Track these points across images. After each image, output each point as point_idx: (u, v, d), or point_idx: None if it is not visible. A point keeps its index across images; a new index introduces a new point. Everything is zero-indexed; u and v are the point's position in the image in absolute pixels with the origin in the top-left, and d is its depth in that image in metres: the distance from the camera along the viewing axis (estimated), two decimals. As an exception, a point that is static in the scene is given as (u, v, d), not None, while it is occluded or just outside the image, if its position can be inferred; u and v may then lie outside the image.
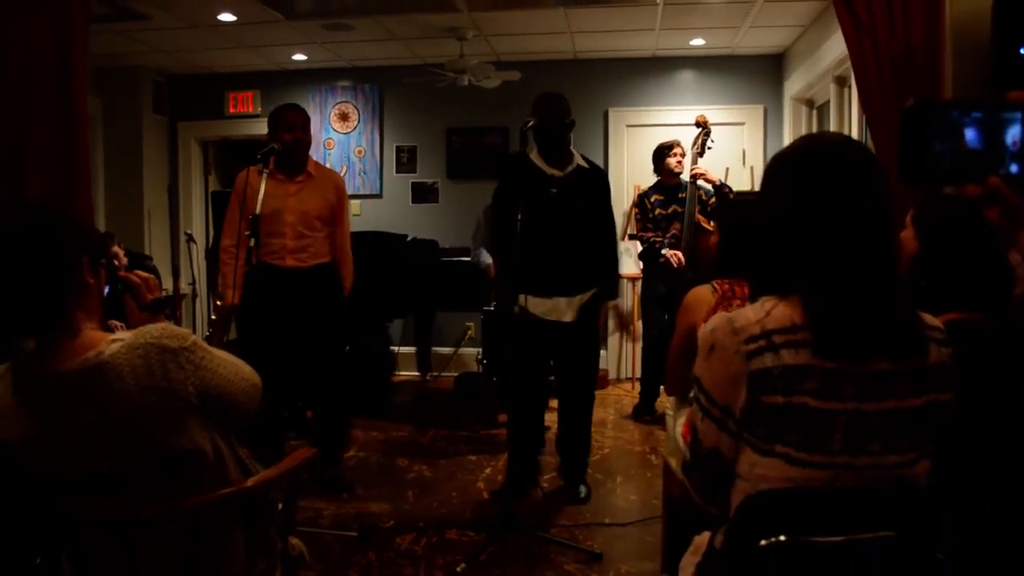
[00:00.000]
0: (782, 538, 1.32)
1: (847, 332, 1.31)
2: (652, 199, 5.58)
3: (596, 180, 4.00)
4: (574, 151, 3.96)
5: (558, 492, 4.13)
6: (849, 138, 1.51)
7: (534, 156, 3.89)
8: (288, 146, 3.80)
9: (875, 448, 1.33)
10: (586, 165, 3.95)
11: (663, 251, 5.34)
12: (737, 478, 1.41)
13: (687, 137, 5.54)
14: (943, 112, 1.04)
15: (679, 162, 5.53)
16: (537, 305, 3.82)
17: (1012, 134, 1.03)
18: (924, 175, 1.06)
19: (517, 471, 3.95)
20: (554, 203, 3.78)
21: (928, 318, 1.41)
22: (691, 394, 1.47)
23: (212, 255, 5.56)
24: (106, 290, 1.73)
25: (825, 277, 1.34)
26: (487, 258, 5.45)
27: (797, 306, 1.35)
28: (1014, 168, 1.03)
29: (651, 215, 5.53)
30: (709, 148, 5.42)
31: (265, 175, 3.53)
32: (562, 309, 3.87)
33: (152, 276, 1.82)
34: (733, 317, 1.38)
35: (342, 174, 7.31)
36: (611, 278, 4.06)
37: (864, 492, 1.34)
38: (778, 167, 1.47)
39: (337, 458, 4.23)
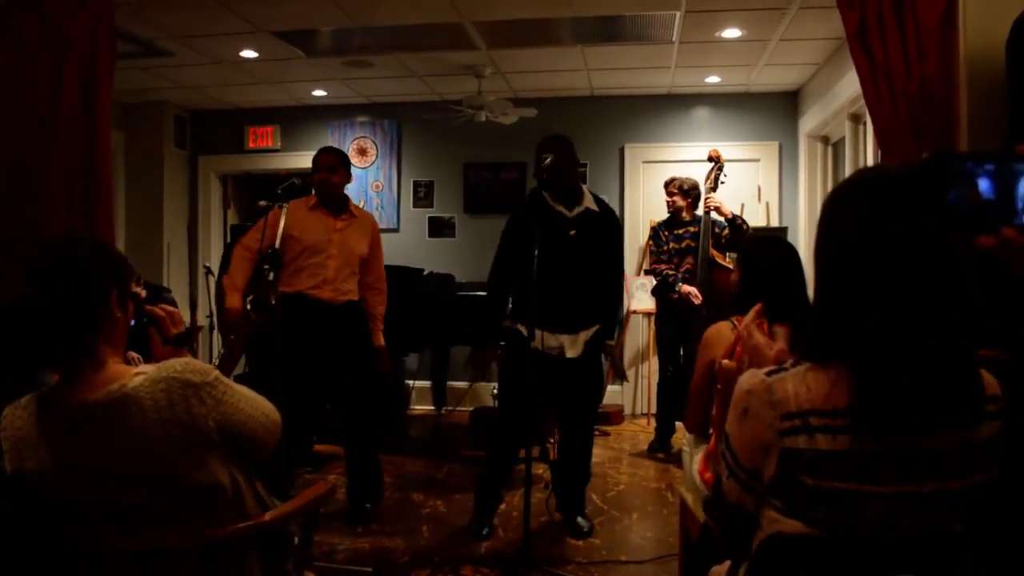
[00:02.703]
0: (802, 578, 1.31)
1: (896, 417, 1.23)
2: (665, 233, 5.60)
3: (604, 221, 3.99)
4: (586, 191, 3.99)
5: (559, 527, 4.08)
6: (913, 169, 1.31)
7: (546, 194, 3.87)
8: (315, 185, 4.06)
9: (907, 524, 1.29)
10: (596, 208, 3.95)
11: (677, 286, 5.32)
12: (759, 529, 1.39)
13: (701, 173, 5.56)
14: (958, 163, 1.06)
15: (671, 202, 5.57)
16: (542, 339, 3.75)
17: None
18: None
19: (484, 510, 4.03)
20: (561, 241, 3.79)
21: (989, 383, 1.31)
22: (720, 448, 1.43)
23: (219, 286, 5.64)
24: (131, 323, 1.75)
25: (885, 337, 1.24)
26: None
27: (844, 381, 1.26)
28: None
29: (665, 247, 5.54)
30: (722, 183, 5.43)
31: (285, 210, 3.61)
32: (567, 344, 3.89)
33: (177, 310, 1.84)
34: (773, 385, 1.31)
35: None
36: (611, 318, 4.10)
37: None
38: (849, 194, 1.35)
39: (381, 489, 4.41)
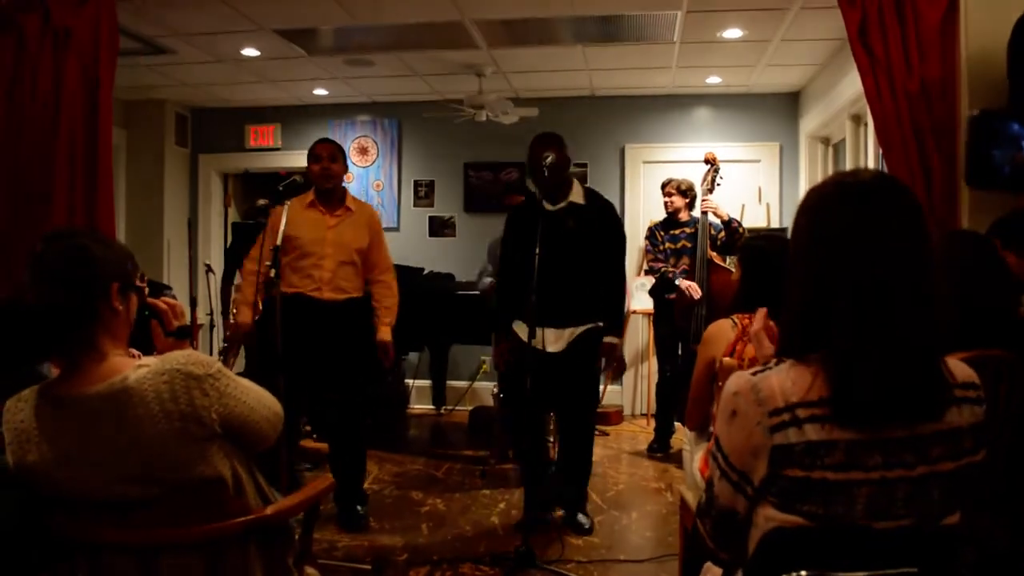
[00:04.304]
0: (803, 573, 1.31)
1: (871, 400, 1.26)
2: (661, 233, 5.60)
3: (593, 215, 3.94)
4: (578, 186, 4.00)
5: (559, 525, 4.08)
6: (883, 176, 1.41)
7: (536, 193, 4.00)
8: (315, 177, 3.95)
9: (899, 513, 1.30)
10: (582, 201, 3.94)
11: (677, 281, 5.32)
12: (753, 527, 1.39)
13: (700, 175, 5.56)
14: (1003, 123, 1.06)
15: (669, 202, 5.57)
16: (523, 331, 3.83)
17: None
18: (986, 180, 1.07)
19: (529, 502, 4.02)
20: (538, 236, 3.71)
21: (961, 372, 1.35)
22: (711, 450, 1.44)
23: (225, 285, 5.67)
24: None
25: (853, 332, 1.28)
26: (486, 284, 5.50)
27: (822, 372, 1.30)
28: None
29: (661, 247, 5.55)
30: (718, 185, 5.44)
31: (286, 207, 3.60)
32: (550, 339, 3.88)
33: (179, 303, 1.84)
34: (758, 384, 1.33)
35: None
36: (612, 314, 4.00)
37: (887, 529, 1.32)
38: (822, 197, 1.40)
39: (362, 493, 4.26)
